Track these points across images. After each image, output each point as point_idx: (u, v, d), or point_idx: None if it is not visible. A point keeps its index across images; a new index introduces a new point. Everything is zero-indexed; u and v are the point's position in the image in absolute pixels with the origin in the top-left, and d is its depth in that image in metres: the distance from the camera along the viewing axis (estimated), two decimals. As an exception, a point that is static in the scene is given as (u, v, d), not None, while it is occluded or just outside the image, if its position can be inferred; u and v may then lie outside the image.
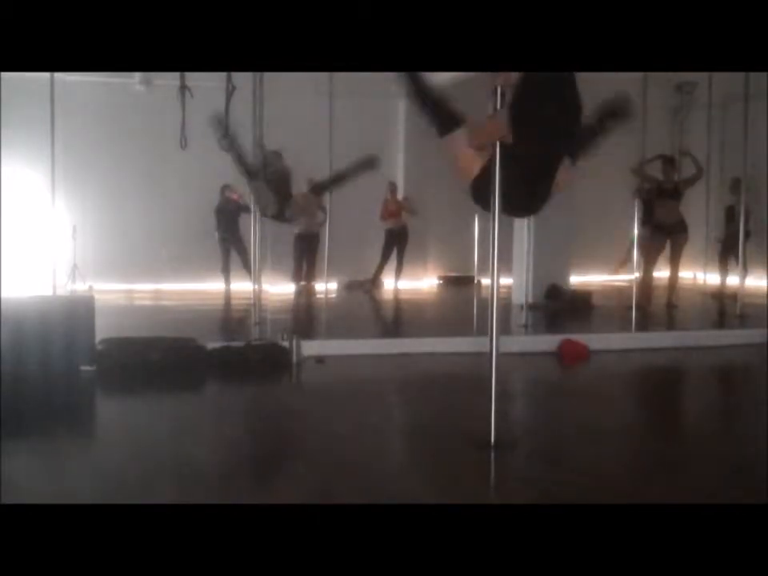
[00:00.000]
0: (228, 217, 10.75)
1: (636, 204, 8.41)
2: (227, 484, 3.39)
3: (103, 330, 5.94)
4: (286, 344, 6.15)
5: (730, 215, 9.95)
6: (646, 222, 10.90)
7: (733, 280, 10.11)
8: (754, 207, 8.70)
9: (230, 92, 7.40)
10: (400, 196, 11.62)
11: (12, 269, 8.18)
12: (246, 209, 8.79)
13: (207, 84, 7.36)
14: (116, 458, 3.78)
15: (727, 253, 10.14)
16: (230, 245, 10.79)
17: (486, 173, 3.78)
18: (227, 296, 10.23)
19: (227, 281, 10.69)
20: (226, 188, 10.61)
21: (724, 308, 9.43)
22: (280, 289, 10.22)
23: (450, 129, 3.81)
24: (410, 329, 8.38)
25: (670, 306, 9.08)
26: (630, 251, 11.25)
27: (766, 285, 9.75)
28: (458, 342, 6.36)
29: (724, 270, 10.21)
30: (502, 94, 3.79)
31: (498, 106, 3.82)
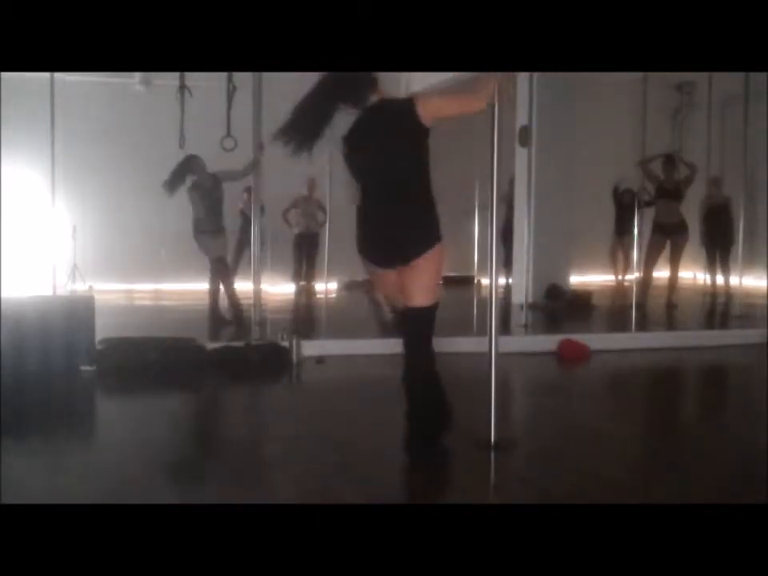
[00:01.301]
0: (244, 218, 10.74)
1: (637, 202, 8.44)
2: (227, 484, 3.39)
3: (103, 330, 5.94)
4: (285, 344, 6.14)
5: (713, 214, 9.98)
6: (620, 230, 11.12)
7: (722, 280, 10.15)
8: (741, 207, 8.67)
9: (231, 92, 7.41)
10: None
11: (12, 269, 8.17)
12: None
13: (207, 84, 7.37)
14: (116, 458, 3.78)
15: (713, 253, 10.18)
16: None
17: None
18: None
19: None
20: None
21: (723, 307, 9.44)
22: (280, 289, 10.22)
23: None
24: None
25: (670, 305, 9.08)
26: (613, 253, 11.41)
27: (765, 285, 9.76)
28: (458, 341, 6.36)
29: (713, 271, 10.26)
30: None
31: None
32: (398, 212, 3.56)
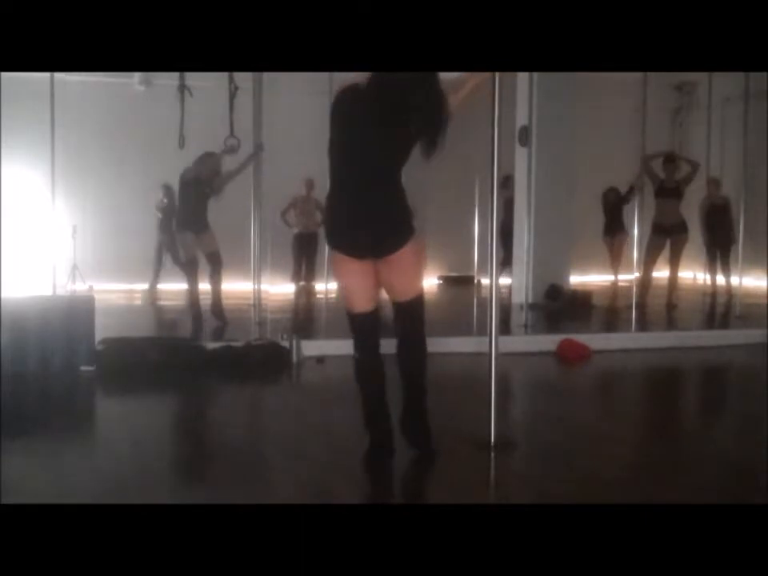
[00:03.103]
0: None
1: (637, 202, 8.45)
2: (227, 484, 3.39)
3: (103, 330, 5.94)
4: (286, 344, 6.14)
5: (713, 214, 9.98)
6: (608, 230, 11.11)
7: (723, 280, 10.14)
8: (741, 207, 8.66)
9: (232, 92, 7.41)
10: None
11: (12, 269, 8.17)
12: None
13: (207, 84, 7.37)
14: (116, 458, 3.78)
15: (713, 253, 10.17)
16: None
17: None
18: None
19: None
20: None
21: (723, 307, 9.43)
22: (280, 289, 10.22)
23: None
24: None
25: (670, 306, 9.08)
26: (613, 251, 11.39)
27: (765, 285, 9.75)
28: (458, 341, 6.36)
29: (713, 271, 10.25)
30: None
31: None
32: (384, 200, 3.46)
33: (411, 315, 3.63)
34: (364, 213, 3.43)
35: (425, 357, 3.72)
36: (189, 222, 7.55)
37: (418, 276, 3.68)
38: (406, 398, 3.70)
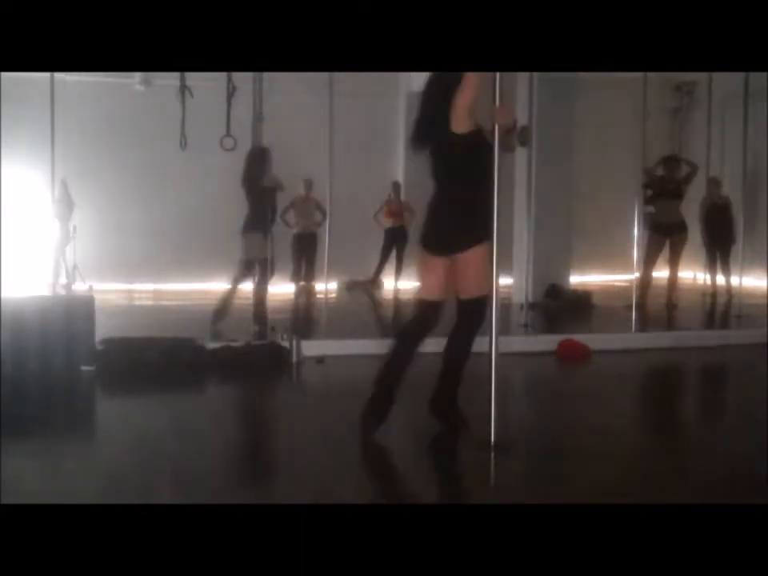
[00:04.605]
0: None
1: (638, 202, 8.41)
2: (227, 484, 3.39)
3: (103, 330, 5.94)
4: (286, 344, 6.14)
5: (713, 214, 9.95)
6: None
7: (723, 280, 10.12)
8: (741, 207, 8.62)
9: (230, 92, 7.41)
10: (403, 196, 11.58)
11: (12, 269, 8.17)
12: None
13: (207, 84, 7.37)
14: (116, 458, 3.78)
15: (713, 253, 10.14)
16: None
17: None
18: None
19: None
20: None
21: (723, 307, 9.43)
22: (280, 289, 10.22)
23: None
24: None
25: (670, 306, 9.07)
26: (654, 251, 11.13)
27: (765, 285, 9.75)
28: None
29: (713, 271, 10.23)
30: None
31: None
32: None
33: (471, 312, 4.04)
34: (461, 215, 4.03)
35: (468, 354, 4.13)
36: (258, 223, 7.27)
37: (483, 277, 4.03)
38: (442, 384, 4.10)
